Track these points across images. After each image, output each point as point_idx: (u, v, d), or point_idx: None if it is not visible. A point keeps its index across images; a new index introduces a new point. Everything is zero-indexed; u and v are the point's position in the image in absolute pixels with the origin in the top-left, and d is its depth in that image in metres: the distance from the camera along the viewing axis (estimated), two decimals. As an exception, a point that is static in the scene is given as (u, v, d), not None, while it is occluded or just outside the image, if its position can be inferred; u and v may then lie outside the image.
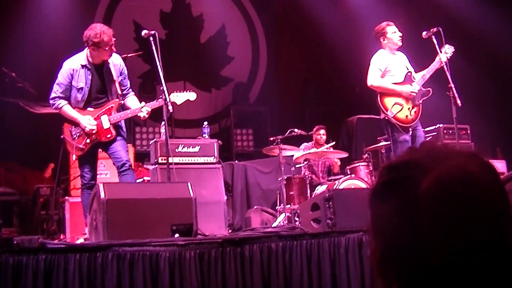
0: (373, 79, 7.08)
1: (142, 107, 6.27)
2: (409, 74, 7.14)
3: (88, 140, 6.23)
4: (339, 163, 9.63)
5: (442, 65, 6.92)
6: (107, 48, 6.12)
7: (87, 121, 6.18)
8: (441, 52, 6.99)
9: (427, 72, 7.09)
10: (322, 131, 9.81)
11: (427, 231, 1.13)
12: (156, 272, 4.08)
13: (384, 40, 7.19)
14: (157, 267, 4.09)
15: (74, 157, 6.34)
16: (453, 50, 7.04)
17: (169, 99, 6.10)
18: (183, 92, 6.66)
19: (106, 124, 6.22)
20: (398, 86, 7.04)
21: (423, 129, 7.36)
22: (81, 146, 6.22)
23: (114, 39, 6.17)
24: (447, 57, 6.99)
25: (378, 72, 7.08)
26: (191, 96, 6.66)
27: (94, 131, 6.19)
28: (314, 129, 9.81)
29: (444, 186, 1.14)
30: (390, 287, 1.20)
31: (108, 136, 6.25)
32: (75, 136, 6.25)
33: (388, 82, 7.08)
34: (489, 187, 1.15)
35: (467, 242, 1.11)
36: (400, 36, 7.15)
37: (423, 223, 1.14)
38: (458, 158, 1.19)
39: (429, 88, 7.08)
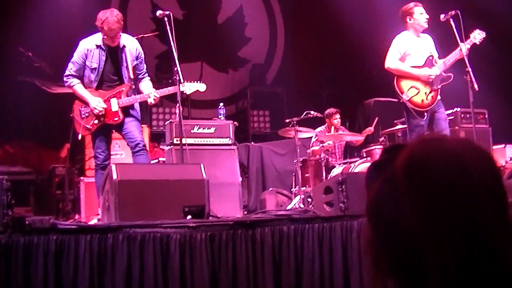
0: (391, 61, 6.95)
1: (149, 93, 6.35)
2: (430, 58, 6.95)
3: (96, 121, 6.32)
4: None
5: (463, 56, 6.73)
6: (112, 37, 6.24)
7: (97, 102, 6.26)
8: (469, 37, 6.83)
9: (447, 60, 6.90)
10: (338, 115, 9.69)
11: (404, 206, 1.14)
12: (166, 254, 4.08)
13: (410, 20, 6.98)
14: (168, 249, 4.09)
15: (80, 136, 6.43)
16: (484, 36, 6.85)
17: (183, 80, 6.14)
18: (194, 82, 6.66)
19: (114, 107, 6.31)
20: (415, 70, 6.89)
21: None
22: (88, 126, 6.33)
23: (118, 25, 6.19)
24: (476, 43, 6.83)
25: (396, 54, 6.95)
26: (201, 87, 6.69)
27: (102, 113, 6.25)
28: (328, 112, 9.68)
29: (415, 163, 1.15)
30: (381, 266, 1.19)
31: (116, 119, 6.34)
32: (83, 115, 6.36)
33: (405, 65, 6.93)
34: (468, 168, 1.13)
35: (438, 219, 1.10)
36: (427, 19, 6.97)
37: (400, 198, 1.15)
38: (438, 141, 1.19)
39: (450, 74, 6.89)
